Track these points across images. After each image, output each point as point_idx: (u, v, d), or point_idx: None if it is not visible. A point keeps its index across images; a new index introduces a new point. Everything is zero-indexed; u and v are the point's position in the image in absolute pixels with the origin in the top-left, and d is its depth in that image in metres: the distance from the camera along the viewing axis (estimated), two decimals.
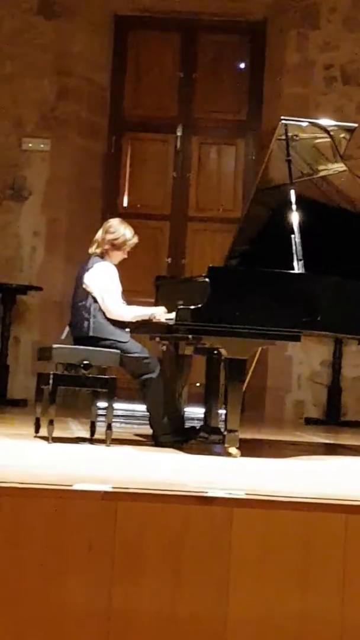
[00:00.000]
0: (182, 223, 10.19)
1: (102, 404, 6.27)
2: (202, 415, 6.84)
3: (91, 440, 6.19)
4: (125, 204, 10.19)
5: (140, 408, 6.77)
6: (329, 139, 6.32)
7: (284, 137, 6.18)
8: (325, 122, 6.45)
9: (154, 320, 6.17)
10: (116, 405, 6.24)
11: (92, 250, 6.34)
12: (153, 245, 9.85)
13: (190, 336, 5.92)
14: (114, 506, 3.86)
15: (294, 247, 5.84)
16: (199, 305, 5.68)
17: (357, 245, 6.42)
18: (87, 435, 6.30)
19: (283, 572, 3.87)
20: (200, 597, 3.82)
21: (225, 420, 5.89)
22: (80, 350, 6.03)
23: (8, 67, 9.76)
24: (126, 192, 10.21)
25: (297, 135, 6.22)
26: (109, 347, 6.09)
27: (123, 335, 6.17)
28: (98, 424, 6.27)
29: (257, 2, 10.10)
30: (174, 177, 10.20)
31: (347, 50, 9.81)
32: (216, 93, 10.25)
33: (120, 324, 6.19)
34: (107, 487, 3.95)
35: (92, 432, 6.24)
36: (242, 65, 10.32)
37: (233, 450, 5.74)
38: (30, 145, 9.74)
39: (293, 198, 5.98)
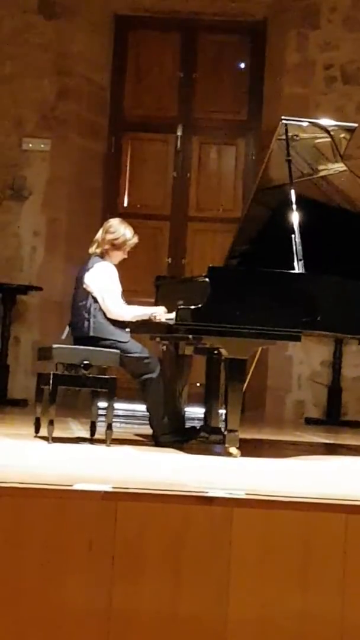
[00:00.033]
0: (182, 223, 10.19)
1: (102, 404, 6.27)
2: (203, 415, 6.84)
3: (91, 440, 6.19)
4: (125, 203, 10.19)
5: (141, 408, 6.77)
6: (329, 139, 6.33)
7: (284, 137, 6.17)
8: (325, 122, 6.45)
9: (154, 320, 6.17)
10: (116, 405, 6.24)
11: (92, 250, 6.34)
12: (153, 245, 9.86)
13: (190, 336, 5.92)
14: (114, 506, 3.86)
15: (294, 247, 5.84)
16: (199, 305, 5.68)
17: (357, 245, 6.41)
18: (87, 435, 6.30)
19: (283, 572, 3.87)
20: (200, 597, 3.82)
21: (226, 420, 5.89)
22: (81, 350, 6.03)
23: (8, 67, 9.76)
24: (126, 192, 10.21)
25: (297, 135, 6.22)
26: (109, 347, 6.09)
27: (123, 335, 6.17)
28: (98, 424, 6.28)
29: (257, 2, 10.10)
30: (174, 177, 10.20)
31: (347, 50, 9.80)
32: (216, 93, 10.24)
33: (120, 324, 6.18)
34: (107, 487, 3.95)
35: (93, 432, 6.24)
36: (242, 65, 10.31)
37: (233, 450, 5.74)
38: (30, 145, 9.73)
39: (293, 198, 5.98)
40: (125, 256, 6.38)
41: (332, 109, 9.40)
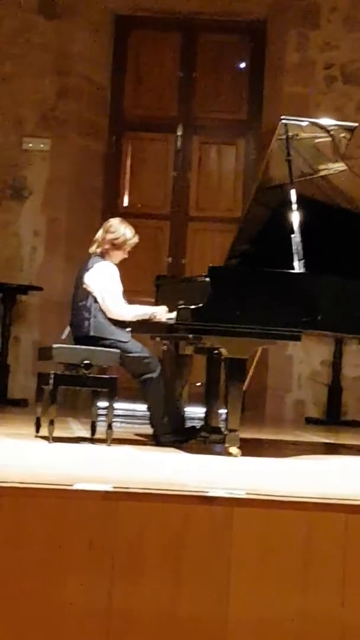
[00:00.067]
0: (183, 223, 10.19)
1: (102, 403, 6.27)
2: (203, 415, 6.84)
3: (92, 440, 6.19)
4: (125, 203, 10.19)
5: (141, 408, 6.77)
6: (329, 139, 6.33)
7: (284, 136, 6.17)
8: (325, 121, 6.46)
9: (155, 320, 6.17)
10: (117, 404, 6.24)
11: (92, 250, 6.34)
12: (153, 245, 9.85)
13: (190, 336, 5.92)
14: (115, 506, 3.86)
15: (294, 247, 5.84)
16: (200, 305, 5.68)
17: (357, 245, 6.41)
18: (87, 435, 6.31)
19: (283, 572, 3.87)
20: (200, 596, 3.82)
21: (226, 420, 5.89)
22: (81, 350, 6.03)
23: (8, 67, 9.76)
24: (126, 192, 10.21)
25: (297, 135, 6.22)
26: (110, 346, 6.09)
27: (124, 335, 6.17)
28: (98, 423, 6.28)
29: (257, 1, 10.09)
30: (174, 177, 10.20)
31: (347, 49, 9.80)
32: (216, 92, 10.24)
33: (120, 324, 6.19)
34: (107, 487, 3.96)
35: (93, 431, 6.24)
36: (243, 65, 10.31)
37: (233, 449, 5.74)
38: (30, 145, 9.73)
39: (293, 198, 5.98)
40: (126, 256, 6.38)
41: (332, 108, 9.40)
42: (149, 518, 3.87)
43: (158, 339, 6.65)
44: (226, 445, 5.78)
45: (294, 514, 3.94)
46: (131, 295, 6.50)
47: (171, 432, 6.27)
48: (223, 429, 6.27)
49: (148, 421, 6.35)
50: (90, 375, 6.01)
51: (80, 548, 3.80)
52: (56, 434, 5.88)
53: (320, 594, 3.86)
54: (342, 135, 6.38)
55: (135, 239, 6.33)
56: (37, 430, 6.18)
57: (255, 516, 3.92)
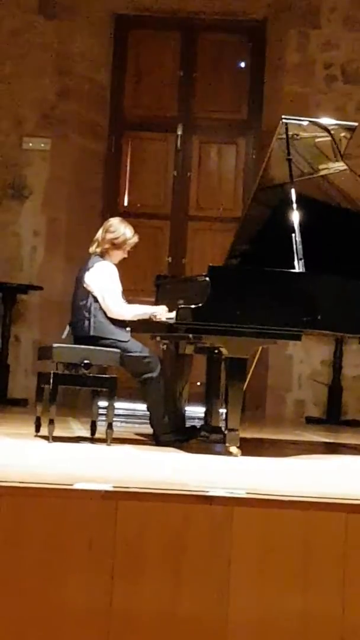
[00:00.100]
0: (183, 222, 10.19)
1: (102, 403, 6.27)
2: (203, 415, 6.84)
3: (92, 440, 6.19)
4: (125, 203, 10.19)
5: (141, 407, 6.77)
6: (329, 138, 6.33)
7: (284, 136, 6.18)
8: (325, 121, 6.46)
9: (155, 320, 6.17)
10: (117, 404, 6.24)
11: (92, 249, 6.34)
12: (153, 245, 9.85)
13: (190, 335, 5.92)
14: (115, 505, 3.86)
15: (294, 246, 5.83)
16: (200, 305, 5.68)
17: (357, 245, 6.41)
18: (87, 434, 6.31)
19: (283, 571, 3.87)
20: (200, 596, 3.82)
21: (226, 420, 5.89)
22: (81, 349, 6.03)
23: (8, 67, 9.76)
24: (126, 192, 10.21)
25: (297, 134, 6.22)
26: (110, 346, 6.09)
27: (124, 335, 6.17)
28: (99, 423, 6.28)
29: (258, 1, 10.10)
30: (174, 177, 10.20)
31: (348, 49, 9.81)
32: (216, 92, 10.24)
33: (120, 324, 6.18)
34: (107, 487, 3.95)
35: (93, 431, 6.24)
36: (243, 65, 10.31)
37: (234, 449, 5.74)
38: (30, 144, 9.73)
39: (294, 197, 5.98)
40: (126, 255, 6.38)
41: (333, 108, 9.40)
42: (149, 517, 3.87)
43: (158, 338, 6.65)
44: (226, 444, 5.78)
45: (294, 513, 3.94)
46: (131, 294, 6.50)
47: (171, 432, 6.27)
48: (223, 429, 6.27)
49: (148, 421, 6.35)
50: (90, 374, 6.01)
51: (80, 548, 3.80)
52: (56, 433, 5.88)
53: (320, 593, 3.86)
54: (342, 134, 6.38)
55: (135, 239, 6.33)
56: (37, 430, 6.18)
57: (255, 516, 3.92)
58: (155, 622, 3.79)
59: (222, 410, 6.48)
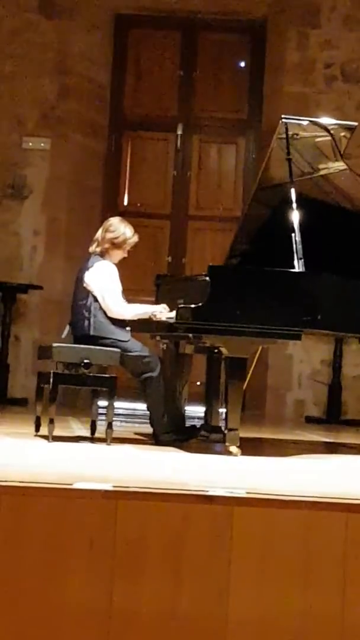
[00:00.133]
0: (183, 222, 10.19)
1: (102, 402, 6.27)
2: (203, 414, 6.84)
3: (92, 439, 6.19)
4: (125, 202, 10.19)
5: (141, 407, 6.77)
6: (329, 138, 6.33)
7: (284, 135, 6.18)
8: (325, 120, 6.46)
9: (155, 319, 6.17)
10: (117, 404, 6.24)
11: (92, 249, 6.34)
12: (153, 244, 9.85)
13: (190, 335, 5.92)
14: (115, 505, 3.86)
15: (294, 246, 5.83)
16: (200, 304, 5.68)
17: (357, 244, 6.41)
18: (87, 434, 6.31)
19: (283, 571, 3.87)
20: (200, 596, 3.82)
21: (226, 419, 5.89)
22: (81, 349, 6.03)
23: (8, 66, 9.75)
24: (126, 191, 10.21)
25: (297, 134, 6.22)
26: (110, 346, 6.09)
27: (123, 334, 6.17)
28: (98, 422, 6.28)
29: (258, 1, 10.09)
30: (174, 176, 10.20)
31: (348, 48, 9.81)
32: (216, 92, 10.24)
33: (120, 323, 6.18)
34: (107, 486, 3.95)
35: (93, 431, 6.24)
36: (243, 64, 10.31)
37: (234, 448, 5.74)
38: (30, 144, 9.73)
39: (293, 197, 5.98)
40: (126, 255, 6.38)
41: (332, 107, 9.40)
42: (149, 517, 3.87)
43: (158, 338, 6.65)
44: (226, 444, 5.78)
45: (294, 513, 3.94)
46: (131, 294, 6.50)
47: (171, 431, 6.27)
48: (223, 428, 6.27)
49: (148, 420, 6.35)
50: (90, 374, 6.01)
51: (80, 547, 3.80)
52: (56, 433, 5.88)
53: (321, 593, 3.86)
54: (342, 134, 6.38)
55: (135, 238, 6.33)
56: (37, 430, 6.17)
57: (255, 515, 3.91)
58: (155, 622, 3.79)
59: (222, 410, 6.48)
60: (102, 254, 6.28)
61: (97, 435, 6.20)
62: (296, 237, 5.85)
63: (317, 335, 7.81)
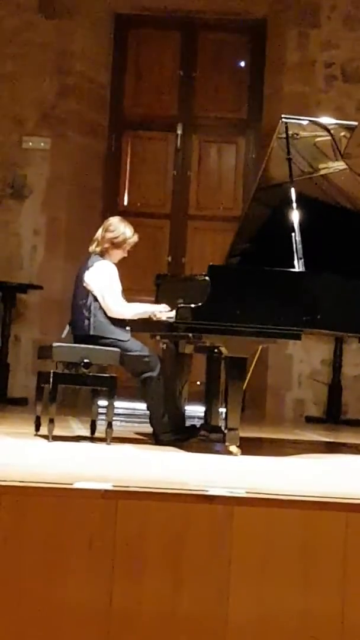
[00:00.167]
0: (183, 221, 10.18)
1: (102, 402, 6.27)
2: (203, 414, 6.84)
3: (92, 439, 6.19)
4: (125, 202, 10.19)
5: (141, 406, 6.77)
6: (329, 137, 6.33)
7: (284, 135, 6.18)
8: (325, 120, 6.46)
9: (155, 319, 6.17)
10: (116, 403, 6.24)
11: (92, 248, 6.34)
12: (153, 244, 9.84)
13: (190, 335, 5.92)
14: (115, 505, 3.86)
15: (294, 246, 5.83)
16: (199, 304, 5.68)
17: (357, 244, 6.41)
18: (87, 433, 6.30)
19: (283, 571, 3.87)
20: (200, 595, 3.82)
21: (226, 419, 5.89)
22: (81, 348, 6.03)
23: (8, 66, 9.75)
24: (126, 191, 10.21)
25: (297, 134, 6.22)
26: (110, 345, 6.09)
27: (123, 334, 6.16)
28: (98, 422, 6.28)
29: (258, 0, 10.09)
30: (174, 176, 10.19)
31: (348, 48, 9.80)
32: (216, 91, 10.24)
33: (120, 323, 6.18)
34: (107, 486, 3.95)
35: (93, 430, 6.24)
36: (243, 64, 10.31)
37: (233, 448, 5.74)
38: (30, 143, 9.73)
39: (293, 196, 5.98)
40: (125, 255, 6.38)
41: (333, 107, 9.39)
42: (149, 517, 3.87)
43: (158, 337, 6.65)
44: (226, 444, 5.78)
45: (294, 512, 3.93)
46: (131, 293, 6.50)
47: (171, 431, 6.26)
48: (223, 428, 6.27)
49: (148, 420, 6.35)
50: (90, 374, 6.01)
51: (80, 547, 3.80)
52: (56, 432, 5.88)
53: (321, 593, 3.86)
54: (342, 134, 6.38)
55: (135, 238, 6.33)
56: (37, 429, 6.17)
57: (255, 515, 3.91)
58: (155, 621, 3.79)
59: (222, 410, 6.48)
60: (102, 254, 6.28)
61: (97, 434, 6.20)
62: (296, 236, 5.85)
63: (317, 335, 7.80)
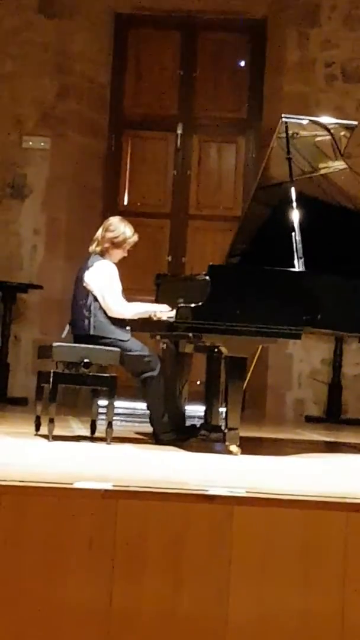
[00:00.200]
0: (183, 221, 10.18)
1: (102, 402, 6.27)
2: (203, 413, 6.83)
3: (92, 439, 6.19)
4: (125, 202, 10.19)
5: (141, 406, 6.77)
6: (329, 137, 6.33)
7: (284, 135, 6.17)
8: (325, 119, 6.46)
9: (155, 319, 6.17)
10: (117, 403, 6.23)
11: (92, 248, 6.34)
12: (153, 244, 9.84)
13: (190, 334, 5.92)
14: (115, 504, 3.85)
15: (294, 245, 5.83)
16: (200, 304, 5.68)
17: (357, 243, 6.41)
18: (87, 433, 6.30)
19: (284, 570, 3.87)
20: (200, 595, 3.82)
21: (226, 418, 5.89)
22: (81, 348, 6.03)
23: (8, 66, 9.75)
24: (126, 191, 10.21)
25: (297, 133, 6.22)
26: (110, 345, 6.09)
27: (123, 334, 6.17)
28: (98, 422, 6.27)
29: (258, 0, 10.09)
30: (174, 175, 10.19)
31: (348, 48, 9.80)
32: (216, 91, 10.24)
33: (120, 323, 6.18)
34: (107, 486, 3.95)
35: (93, 430, 6.24)
36: (243, 63, 10.30)
37: (234, 448, 5.74)
38: (30, 143, 9.72)
39: (293, 196, 5.98)
40: (125, 254, 6.38)
41: (333, 107, 9.39)
42: (149, 516, 3.87)
43: (158, 337, 6.65)
44: (226, 443, 5.78)
45: (294, 512, 3.93)
46: (131, 293, 6.50)
47: (171, 431, 6.27)
48: (223, 427, 6.27)
49: (148, 420, 6.35)
50: (90, 373, 6.01)
51: (80, 546, 3.80)
52: (56, 432, 5.88)
53: (321, 592, 3.86)
54: (342, 133, 6.38)
55: (135, 238, 6.33)
56: (37, 429, 6.17)
57: (255, 514, 3.91)
58: (155, 621, 3.79)
59: (222, 409, 6.47)
60: (102, 254, 6.28)
61: (97, 434, 6.20)
62: (296, 236, 5.85)
63: (317, 335, 7.81)
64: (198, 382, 7.42)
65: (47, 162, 9.75)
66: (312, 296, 5.80)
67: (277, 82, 9.94)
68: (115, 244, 6.27)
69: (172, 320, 5.90)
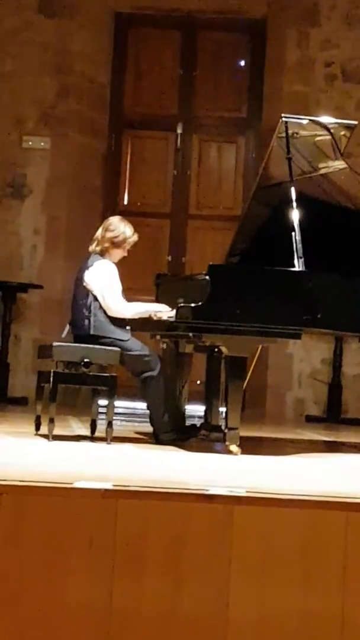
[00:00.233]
0: (183, 221, 10.18)
1: (102, 401, 6.27)
2: (203, 413, 6.83)
3: (92, 438, 6.19)
4: (125, 202, 10.19)
5: (141, 406, 6.77)
6: (329, 137, 6.33)
7: (284, 134, 6.17)
8: (325, 119, 6.46)
9: (155, 318, 6.17)
10: (117, 403, 6.24)
11: (92, 248, 6.34)
12: (153, 243, 9.85)
13: (190, 334, 5.91)
14: (115, 504, 3.85)
15: (294, 245, 5.83)
16: (199, 303, 5.67)
17: (357, 243, 6.41)
18: (87, 433, 6.30)
19: (284, 570, 3.87)
20: (200, 595, 3.82)
21: (226, 418, 5.89)
22: (81, 348, 6.03)
23: (8, 65, 9.75)
24: (126, 190, 10.21)
25: (297, 133, 6.22)
26: (110, 345, 6.08)
27: (123, 334, 6.16)
28: (99, 421, 6.27)
29: (257, 0, 10.09)
30: (174, 175, 10.19)
31: (348, 47, 9.80)
32: (216, 91, 10.24)
33: (120, 322, 6.18)
34: (107, 485, 3.95)
35: (93, 430, 6.24)
36: (243, 63, 10.31)
37: (234, 447, 5.74)
38: (30, 143, 9.73)
39: (293, 196, 5.98)
40: (125, 254, 6.38)
41: (332, 106, 9.39)
42: (149, 516, 3.87)
43: (158, 337, 6.65)
44: (226, 443, 5.78)
45: (295, 512, 3.93)
46: (131, 293, 6.50)
47: (171, 431, 6.26)
48: (223, 427, 6.27)
49: (148, 419, 6.35)
50: (90, 373, 6.01)
51: (80, 546, 3.80)
52: (56, 432, 5.88)
53: (321, 592, 3.86)
54: (342, 133, 6.38)
55: (135, 237, 6.33)
56: (37, 429, 6.17)
57: (255, 514, 3.91)
58: (155, 621, 3.78)
59: (222, 409, 6.47)
60: (102, 253, 6.28)
61: (97, 434, 6.20)
62: (296, 236, 5.85)
63: (317, 334, 7.81)
64: (198, 382, 7.42)
65: (47, 162, 9.75)
66: (312, 296, 5.79)
67: (277, 82, 9.94)
68: (115, 244, 6.27)
69: (172, 320, 5.90)
